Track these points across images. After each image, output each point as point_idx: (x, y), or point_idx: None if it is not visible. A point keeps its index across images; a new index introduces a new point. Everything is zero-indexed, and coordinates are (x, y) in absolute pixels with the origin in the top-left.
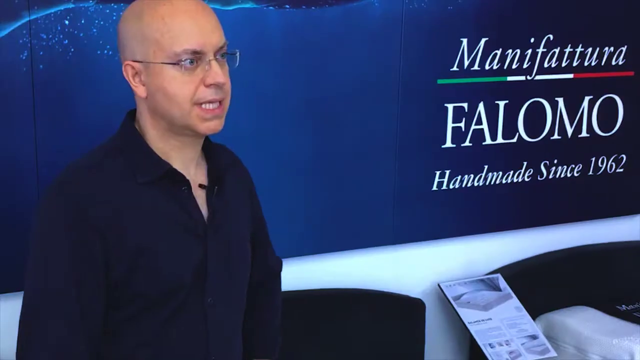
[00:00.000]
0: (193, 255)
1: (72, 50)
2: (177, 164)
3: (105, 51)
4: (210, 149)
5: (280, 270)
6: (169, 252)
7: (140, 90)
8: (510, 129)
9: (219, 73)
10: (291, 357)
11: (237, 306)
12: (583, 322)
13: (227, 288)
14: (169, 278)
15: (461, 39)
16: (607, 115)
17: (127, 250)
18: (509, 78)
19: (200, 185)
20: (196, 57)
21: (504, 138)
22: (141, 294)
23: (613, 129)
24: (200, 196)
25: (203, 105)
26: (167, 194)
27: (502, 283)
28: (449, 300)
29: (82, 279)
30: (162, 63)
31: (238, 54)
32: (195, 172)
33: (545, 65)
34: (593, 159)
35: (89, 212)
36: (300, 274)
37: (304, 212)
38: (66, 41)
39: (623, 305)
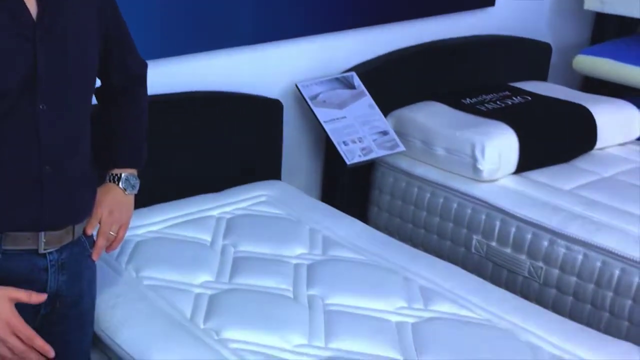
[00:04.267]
0: (19, 58)
1: None
2: None
3: None
4: None
5: (144, 73)
6: None
7: None
8: None
9: None
10: (150, 161)
11: (77, 112)
12: (430, 117)
13: (65, 93)
14: None
15: None
16: None
17: None
18: None
19: None
20: None
21: None
22: None
23: None
24: None
25: None
26: None
27: (357, 81)
28: (305, 100)
29: None
30: None
31: None
32: None
33: None
34: None
35: None
36: (157, 77)
37: (160, 11)
38: None
39: (468, 99)
